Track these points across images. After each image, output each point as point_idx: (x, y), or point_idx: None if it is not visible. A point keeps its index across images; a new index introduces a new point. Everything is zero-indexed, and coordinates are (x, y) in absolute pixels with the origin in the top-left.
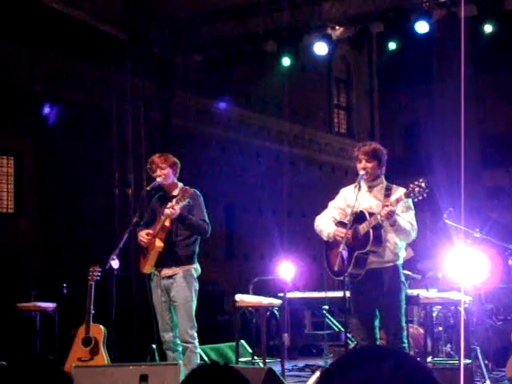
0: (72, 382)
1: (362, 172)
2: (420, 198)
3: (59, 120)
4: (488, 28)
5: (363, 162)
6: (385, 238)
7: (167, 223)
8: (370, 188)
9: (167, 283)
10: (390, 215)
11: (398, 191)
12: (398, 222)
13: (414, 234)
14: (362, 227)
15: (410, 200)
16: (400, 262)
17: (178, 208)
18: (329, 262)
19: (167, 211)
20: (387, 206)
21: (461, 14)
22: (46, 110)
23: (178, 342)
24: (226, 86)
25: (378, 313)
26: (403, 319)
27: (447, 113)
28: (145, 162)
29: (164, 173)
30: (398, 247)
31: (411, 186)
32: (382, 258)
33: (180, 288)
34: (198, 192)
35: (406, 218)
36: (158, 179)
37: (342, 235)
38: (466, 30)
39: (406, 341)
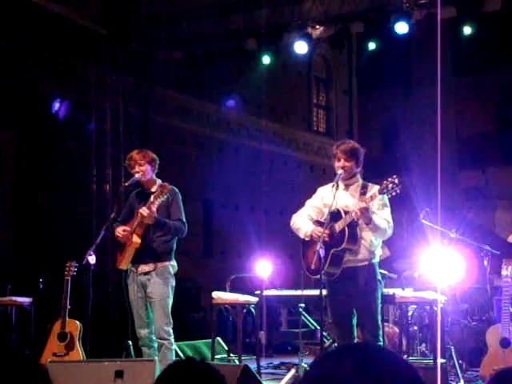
0: (47, 373)
1: (340, 171)
2: (394, 194)
3: (37, 113)
4: (467, 30)
5: (342, 160)
6: (360, 236)
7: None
8: (347, 186)
9: (144, 279)
10: (363, 212)
11: (374, 189)
12: (373, 220)
13: (389, 232)
14: (338, 225)
15: (385, 197)
16: (376, 260)
17: (155, 209)
18: (306, 260)
19: (143, 213)
20: (361, 202)
21: (439, 15)
22: (56, 106)
23: (154, 338)
24: (206, 83)
25: (354, 311)
26: (379, 318)
27: (424, 114)
28: (123, 158)
29: (142, 169)
30: (373, 245)
31: (385, 182)
32: (357, 256)
33: (157, 284)
34: (176, 189)
35: (382, 215)
36: (137, 175)
37: (320, 234)
38: (445, 31)
39: (381, 339)
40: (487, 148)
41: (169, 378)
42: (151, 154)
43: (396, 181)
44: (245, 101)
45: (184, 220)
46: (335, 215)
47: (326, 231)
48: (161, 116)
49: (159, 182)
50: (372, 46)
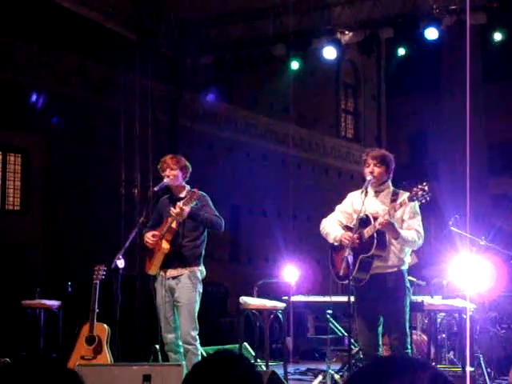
0: (79, 379)
1: (369, 177)
2: (423, 201)
3: (67, 119)
4: (497, 36)
5: (371, 166)
6: (389, 242)
7: (174, 225)
8: (377, 193)
9: (172, 284)
10: (386, 226)
11: (404, 196)
12: (401, 235)
13: (420, 242)
14: (367, 231)
15: (416, 205)
16: (405, 267)
17: (186, 208)
18: (334, 265)
19: (175, 211)
20: (386, 215)
21: (470, 21)
22: (34, 97)
23: (180, 343)
24: (234, 89)
25: (381, 319)
26: (407, 325)
27: (454, 120)
28: (152, 163)
29: (173, 173)
30: (403, 252)
31: (414, 189)
32: (386, 262)
33: (184, 289)
34: (205, 194)
35: (413, 225)
36: (166, 180)
37: (349, 239)
38: (476, 37)
39: (409, 347)
40: None
41: (206, 369)
42: (184, 160)
43: (426, 188)
44: (273, 106)
45: (219, 215)
46: (364, 221)
47: (355, 236)
48: (189, 121)
49: (188, 187)
50: (401, 51)
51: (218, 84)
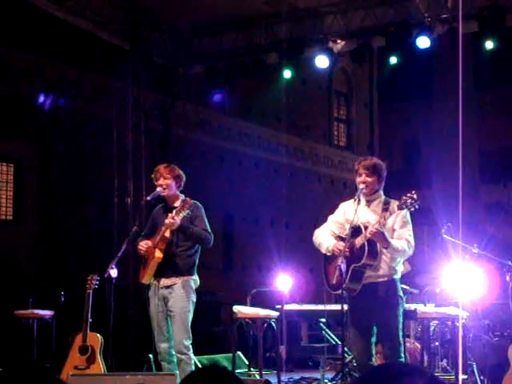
0: None
1: (361, 186)
2: (412, 209)
3: (60, 127)
4: (489, 44)
5: (363, 176)
6: (381, 252)
7: (167, 234)
8: (369, 202)
9: (165, 293)
10: (375, 235)
11: (394, 204)
12: (391, 244)
13: (410, 252)
14: (358, 240)
15: (407, 215)
16: (397, 276)
17: (178, 219)
18: (327, 275)
19: (167, 221)
20: (375, 224)
21: (461, 29)
22: (41, 99)
23: (173, 352)
24: (227, 97)
25: (374, 328)
26: (400, 334)
27: (446, 127)
28: (144, 172)
29: (167, 183)
30: (394, 261)
31: (403, 197)
32: (377, 271)
33: (178, 298)
34: (198, 203)
35: (403, 234)
36: (158, 189)
37: (341, 248)
38: (467, 46)
39: (403, 355)
40: (509, 162)
41: (193, 381)
42: (178, 170)
43: (415, 196)
44: (265, 114)
45: (210, 230)
46: (356, 230)
47: (347, 246)
48: (181, 130)
49: (182, 197)
50: (393, 60)
51: (210, 93)
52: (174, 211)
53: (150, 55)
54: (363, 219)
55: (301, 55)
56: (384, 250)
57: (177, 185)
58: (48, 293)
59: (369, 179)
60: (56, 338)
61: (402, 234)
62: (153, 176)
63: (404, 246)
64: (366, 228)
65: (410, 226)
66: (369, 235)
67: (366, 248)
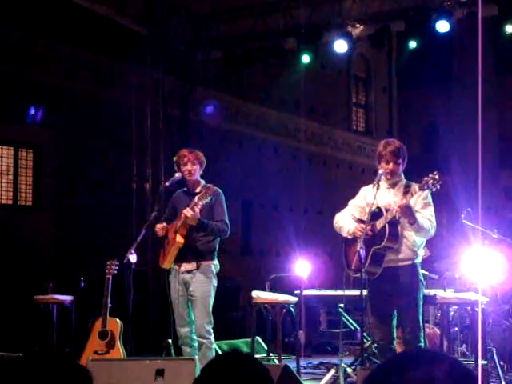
0: (91, 379)
1: (381, 170)
2: (434, 189)
3: (79, 113)
4: (509, 28)
5: (391, 163)
6: (402, 235)
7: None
8: (391, 185)
9: (186, 278)
10: (403, 209)
11: (418, 186)
12: (417, 219)
13: (432, 231)
14: (379, 223)
15: (429, 196)
16: (418, 260)
17: (197, 209)
18: (347, 258)
19: (187, 214)
20: (404, 198)
21: (481, 13)
22: (32, 111)
23: (194, 337)
24: (245, 83)
25: (395, 312)
26: (420, 318)
27: (465, 112)
28: (163, 157)
29: (194, 168)
30: (416, 244)
31: (425, 178)
32: (398, 255)
33: (199, 283)
34: (219, 190)
35: (426, 215)
36: (177, 174)
37: (362, 230)
38: (487, 30)
39: (422, 340)
40: None
41: (215, 370)
42: (202, 156)
43: (436, 177)
44: (284, 100)
45: (227, 221)
46: (376, 214)
47: (368, 228)
48: (200, 115)
49: (203, 182)
50: (412, 44)
51: (229, 78)
52: (196, 197)
53: (169, 41)
54: (384, 202)
55: (319, 40)
56: (405, 233)
57: (200, 170)
58: (68, 278)
59: (397, 166)
60: (76, 323)
61: (424, 213)
62: (175, 160)
63: (428, 224)
64: (387, 210)
65: (431, 208)
66: (398, 208)
67: (387, 230)
